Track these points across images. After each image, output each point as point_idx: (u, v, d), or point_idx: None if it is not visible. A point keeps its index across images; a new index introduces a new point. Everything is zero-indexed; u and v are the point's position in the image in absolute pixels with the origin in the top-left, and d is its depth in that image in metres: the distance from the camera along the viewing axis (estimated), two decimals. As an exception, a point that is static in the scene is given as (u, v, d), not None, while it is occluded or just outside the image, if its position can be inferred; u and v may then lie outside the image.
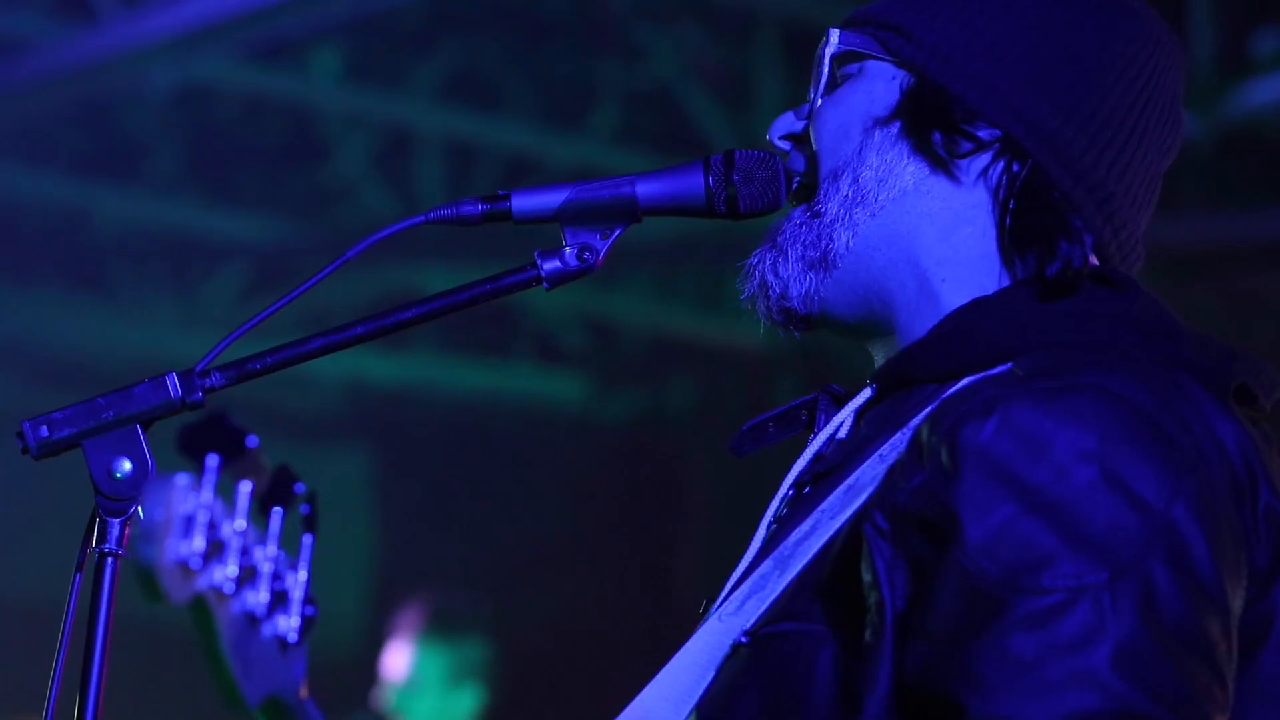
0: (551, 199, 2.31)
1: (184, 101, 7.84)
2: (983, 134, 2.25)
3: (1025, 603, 1.94)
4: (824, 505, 2.17)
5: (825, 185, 2.30)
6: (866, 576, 2.03)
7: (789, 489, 2.29)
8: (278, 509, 1.84)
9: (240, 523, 1.79)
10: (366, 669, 6.91)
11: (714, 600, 2.26)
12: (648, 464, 9.35)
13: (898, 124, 2.28)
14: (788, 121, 2.38)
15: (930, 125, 2.26)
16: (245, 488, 1.79)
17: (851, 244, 2.28)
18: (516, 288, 2.30)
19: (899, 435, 2.15)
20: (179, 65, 7.37)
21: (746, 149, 2.34)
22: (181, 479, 1.74)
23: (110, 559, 2.19)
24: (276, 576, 1.85)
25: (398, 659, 6.66)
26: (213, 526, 1.76)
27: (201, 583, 1.76)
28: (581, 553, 9.02)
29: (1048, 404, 2.01)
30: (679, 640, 2.24)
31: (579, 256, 2.30)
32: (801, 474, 2.29)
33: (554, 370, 9.36)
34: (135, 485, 2.17)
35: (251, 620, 1.83)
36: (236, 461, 1.78)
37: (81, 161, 8.25)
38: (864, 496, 2.11)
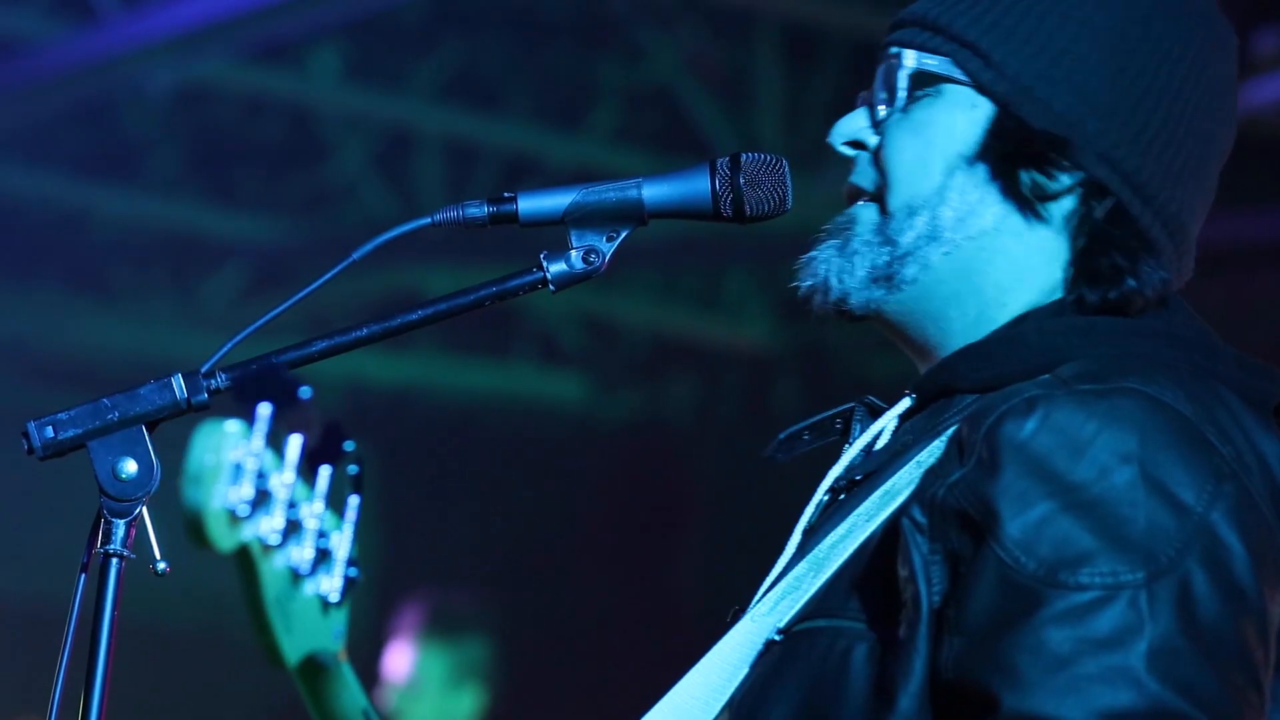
0: (558, 201, 2.31)
1: (184, 101, 7.84)
2: (1066, 175, 2.24)
3: (1062, 599, 1.96)
4: (860, 509, 2.18)
5: (900, 217, 2.28)
6: (903, 571, 2.05)
7: (825, 495, 2.29)
8: (326, 466, 1.83)
9: (289, 475, 1.78)
10: (367, 669, 6.92)
11: (744, 607, 2.26)
12: (648, 464, 9.35)
13: (982, 165, 2.26)
14: (853, 127, 2.35)
15: (1016, 168, 2.25)
16: (296, 440, 1.78)
17: (920, 276, 2.27)
18: (522, 290, 2.30)
19: (936, 443, 2.16)
20: (179, 65, 7.38)
21: (752, 152, 2.33)
22: (232, 425, 1.74)
23: (115, 560, 2.19)
24: (321, 534, 1.84)
25: (399, 660, 6.66)
26: (261, 476, 1.75)
27: (247, 532, 1.76)
28: (582, 553, 9.02)
29: (1090, 405, 2.03)
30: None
31: (585, 259, 2.30)
32: (837, 480, 2.29)
33: (554, 370, 9.36)
34: (140, 486, 2.17)
35: (294, 576, 1.83)
36: (288, 412, 1.77)
37: (81, 161, 8.25)
38: (900, 499, 2.13)
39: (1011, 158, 2.25)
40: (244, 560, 1.77)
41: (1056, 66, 2.24)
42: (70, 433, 2.19)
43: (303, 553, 1.82)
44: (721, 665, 2.20)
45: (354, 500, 1.88)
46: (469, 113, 8.15)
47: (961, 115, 2.28)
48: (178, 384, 2.19)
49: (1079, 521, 1.98)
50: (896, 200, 2.28)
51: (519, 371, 9.34)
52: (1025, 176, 2.24)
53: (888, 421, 2.31)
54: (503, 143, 8.23)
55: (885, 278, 2.28)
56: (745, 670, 2.17)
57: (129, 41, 7.15)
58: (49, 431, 2.19)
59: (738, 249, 8.14)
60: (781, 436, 2.42)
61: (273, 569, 1.79)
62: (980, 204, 2.26)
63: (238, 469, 1.73)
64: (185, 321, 8.76)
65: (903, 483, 2.15)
